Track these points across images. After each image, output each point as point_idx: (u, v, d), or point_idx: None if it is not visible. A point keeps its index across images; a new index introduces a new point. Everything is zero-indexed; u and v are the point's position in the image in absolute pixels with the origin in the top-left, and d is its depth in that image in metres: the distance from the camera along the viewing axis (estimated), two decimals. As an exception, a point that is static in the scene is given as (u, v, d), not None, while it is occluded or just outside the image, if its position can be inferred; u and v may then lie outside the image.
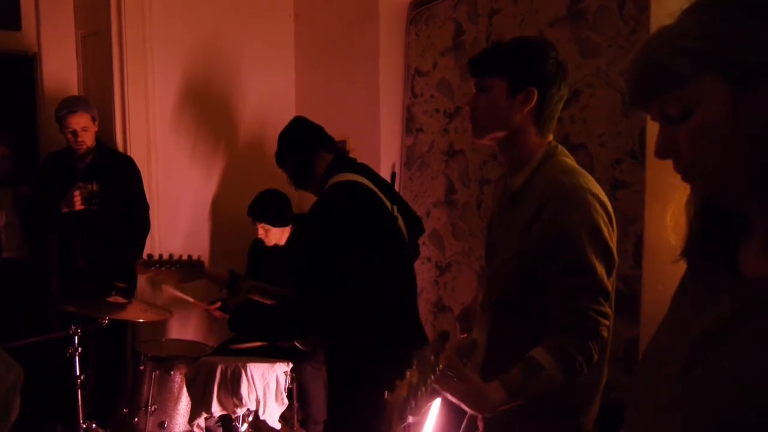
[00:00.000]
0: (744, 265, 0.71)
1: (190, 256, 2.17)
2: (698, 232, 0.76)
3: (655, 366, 0.77)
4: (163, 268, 2.12)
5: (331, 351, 2.10)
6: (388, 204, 2.07)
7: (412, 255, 2.22)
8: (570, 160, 1.52)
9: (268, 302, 2.18)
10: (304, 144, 2.16)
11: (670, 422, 0.69)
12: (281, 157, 2.20)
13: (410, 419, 1.24)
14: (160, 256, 2.13)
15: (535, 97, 1.46)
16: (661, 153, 0.71)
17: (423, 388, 1.23)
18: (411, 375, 1.27)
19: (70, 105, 3.15)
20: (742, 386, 0.62)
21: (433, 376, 1.26)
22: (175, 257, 2.14)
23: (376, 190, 2.06)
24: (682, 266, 0.84)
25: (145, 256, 2.17)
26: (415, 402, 1.21)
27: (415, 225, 2.20)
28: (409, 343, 2.05)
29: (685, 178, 0.71)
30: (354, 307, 1.95)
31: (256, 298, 2.14)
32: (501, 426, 1.44)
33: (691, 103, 0.66)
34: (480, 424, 1.55)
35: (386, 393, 1.25)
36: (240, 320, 2.05)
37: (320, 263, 1.92)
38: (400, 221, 2.11)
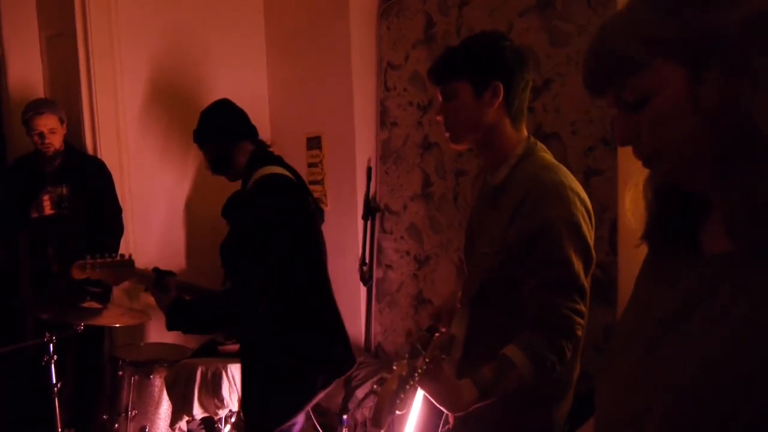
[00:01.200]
0: (704, 244, 0.72)
1: (122, 255, 2.15)
2: (657, 214, 0.77)
3: (621, 347, 0.78)
4: (98, 270, 2.10)
5: (251, 342, 2.14)
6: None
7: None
8: (549, 156, 1.53)
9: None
10: (225, 132, 2.18)
11: (635, 402, 0.70)
12: (200, 138, 2.22)
13: (398, 412, 1.24)
14: (95, 256, 2.11)
15: (502, 89, 1.46)
16: (623, 140, 0.72)
17: (411, 381, 1.23)
18: (400, 368, 1.26)
19: (36, 107, 3.08)
20: (704, 361, 0.63)
21: (420, 370, 1.25)
22: (107, 258, 2.11)
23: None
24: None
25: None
26: (404, 395, 1.21)
27: (321, 216, 2.32)
28: (332, 333, 2.19)
29: (646, 164, 0.72)
30: (285, 298, 2.02)
31: (184, 295, 2.14)
32: (475, 419, 1.45)
33: (648, 89, 0.67)
34: (450, 420, 1.55)
35: (375, 386, 1.26)
36: (178, 318, 2.03)
37: (259, 256, 1.97)
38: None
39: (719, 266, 0.67)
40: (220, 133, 2.19)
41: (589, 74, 0.73)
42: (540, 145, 1.53)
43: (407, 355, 1.27)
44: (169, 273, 2.12)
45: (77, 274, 2.08)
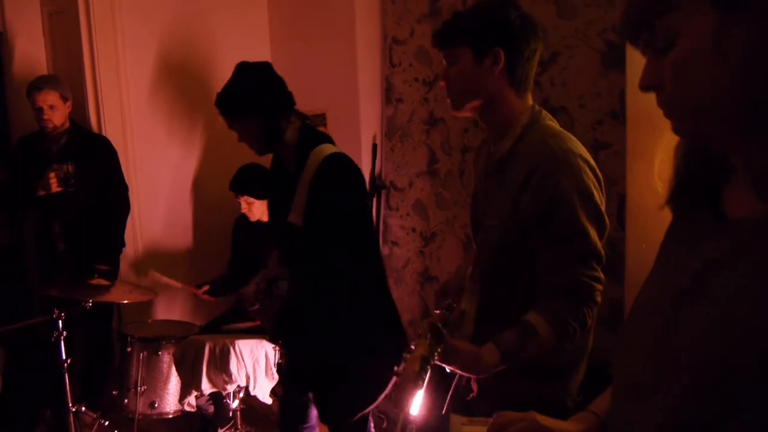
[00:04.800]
0: (728, 208, 0.70)
1: None
2: (683, 177, 0.75)
3: (641, 317, 0.77)
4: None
5: (319, 332, 2.06)
6: None
7: None
8: (555, 124, 1.51)
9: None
10: (277, 104, 1.98)
11: (655, 371, 0.69)
12: (242, 110, 1.94)
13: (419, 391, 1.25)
14: None
15: (503, 57, 1.43)
16: (646, 85, 0.69)
17: (432, 360, 1.23)
18: (419, 347, 1.26)
19: (36, 83, 3.07)
20: (728, 328, 0.61)
21: (440, 348, 1.26)
22: None
23: None
24: (665, 225, 0.83)
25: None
26: (426, 375, 1.22)
27: None
28: (390, 316, 2.11)
29: (667, 113, 0.69)
30: (356, 289, 1.95)
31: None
32: (492, 391, 1.45)
33: (676, 30, 0.64)
34: (474, 386, 1.56)
35: (395, 368, 1.25)
36: (287, 326, 1.95)
37: (348, 239, 1.89)
38: None
39: (742, 231, 0.65)
40: (270, 104, 1.95)
41: (626, 15, 0.71)
42: (545, 113, 1.51)
43: (429, 335, 1.27)
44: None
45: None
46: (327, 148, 1.96)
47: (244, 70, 2.01)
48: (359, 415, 2.05)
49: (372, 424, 2.18)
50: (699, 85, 0.63)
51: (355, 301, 1.96)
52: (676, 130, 0.69)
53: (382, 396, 2.07)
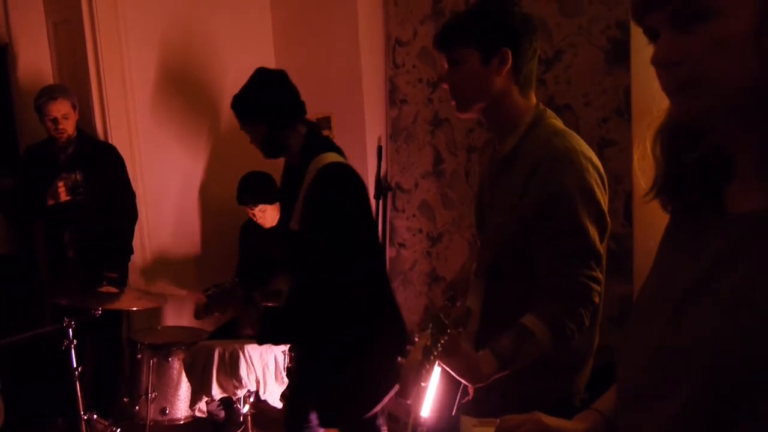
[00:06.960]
0: (731, 203, 0.68)
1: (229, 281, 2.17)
2: (672, 169, 0.72)
3: (645, 314, 0.76)
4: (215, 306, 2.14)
5: (318, 335, 2.08)
6: None
7: None
8: (559, 123, 1.51)
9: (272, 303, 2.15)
10: (283, 112, 2.01)
11: (662, 372, 0.68)
12: (251, 116, 2.01)
13: (422, 384, 1.25)
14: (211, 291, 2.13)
15: (510, 57, 1.43)
16: (662, 59, 0.64)
17: (435, 352, 1.23)
18: (423, 338, 1.26)
19: (49, 92, 3.08)
20: (738, 325, 0.60)
21: (443, 339, 1.25)
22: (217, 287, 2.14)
23: None
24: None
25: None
26: (429, 365, 1.21)
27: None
28: (392, 325, 2.10)
29: (678, 91, 0.65)
30: (354, 291, 1.94)
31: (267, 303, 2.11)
32: (495, 391, 1.45)
33: (713, 5, 0.60)
34: (470, 391, 1.55)
35: (399, 358, 1.26)
36: (269, 331, 1.98)
37: (334, 250, 1.88)
38: None
39: (751, 225, 0.63)
40: (276, 113, 1.99)
41: None
42: (549, 111, 1.51)
43: (430, 326, 1.27)
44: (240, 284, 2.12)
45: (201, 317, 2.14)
46: (328, 157, 1.97)
47: (257, 76, 2.08)
48: (367, 416, 2.06)
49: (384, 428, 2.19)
50: (728, 69, 0.61)
51: (356, 305, 1.95)
52: (685, 111, 0.65)
53: (386, 399, 2.06)
